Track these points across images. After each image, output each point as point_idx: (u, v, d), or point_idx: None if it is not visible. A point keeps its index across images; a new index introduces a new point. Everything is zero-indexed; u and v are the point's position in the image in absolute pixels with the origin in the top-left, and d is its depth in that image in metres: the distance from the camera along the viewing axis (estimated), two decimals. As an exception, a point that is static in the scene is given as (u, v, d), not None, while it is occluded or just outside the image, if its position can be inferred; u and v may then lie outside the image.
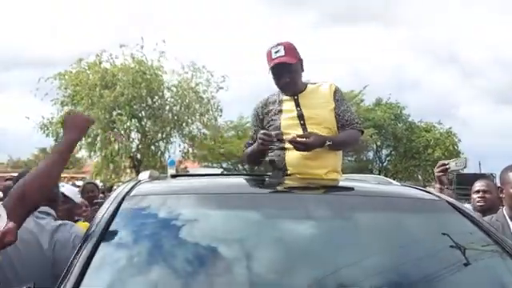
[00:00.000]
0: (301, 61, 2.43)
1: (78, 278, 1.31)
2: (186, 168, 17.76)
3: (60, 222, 2.10)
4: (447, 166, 2.64)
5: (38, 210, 2.01)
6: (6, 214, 1.20)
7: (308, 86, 2.44)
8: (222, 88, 16.53)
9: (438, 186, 2.67)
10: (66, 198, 2.94)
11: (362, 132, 2.50)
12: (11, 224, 1.33)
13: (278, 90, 2.47)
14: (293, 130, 2.29)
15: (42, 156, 28.37)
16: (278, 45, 2.36)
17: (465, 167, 2.70)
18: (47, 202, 2.01)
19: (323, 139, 2.24)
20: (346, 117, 2.40)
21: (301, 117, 2.33)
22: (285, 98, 2.41)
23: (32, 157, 30.25)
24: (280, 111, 2.38)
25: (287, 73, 2.36)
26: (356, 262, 1.50)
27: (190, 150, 17.22)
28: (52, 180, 1.72)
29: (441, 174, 2.65)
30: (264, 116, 2.43)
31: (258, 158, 2.46)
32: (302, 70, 2.44)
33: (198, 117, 16.59)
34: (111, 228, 1.52)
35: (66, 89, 15.07)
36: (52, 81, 15.04)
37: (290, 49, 2.38)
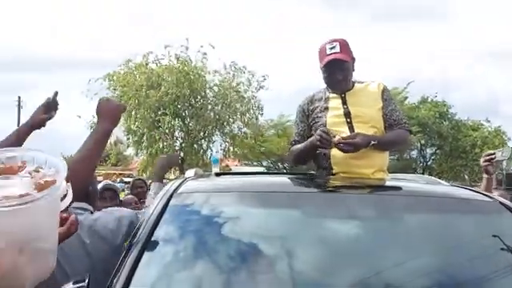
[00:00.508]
0: (353, 59, 2.40)
1: (128, 274, 1.35)
2: (226, 166, 17.93)
3: (97, 213, 2.06)
4: (492, 156, 2.65)
5: (74, 206, 2.03)
6: (71, 191, 1.21)
7: (356, 84, 2.40)
8: (262, 87, 16.59)
9: (484, 176, 2.69)
10: (114, 193, 3.06)
11: (411, 132, 2.44)
12: (73, 215, 1.36)
13: (323, 87, 2.44)
14: (339, 128, 2.26)
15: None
16: (334, 41, 2.34)
17: (509, 158, 2.66)
18: (84, 198, 2.00)
19: (369, 139, 2.20)
20: (394, 116, 2.35)
21: (347, 115, 2.30)
22: (331, 95, 2.38)
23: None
24: (326, 108, 2.35)
25: (340, 70, 2.33)
26: (403, 264, 1.47)
27: (231, 148, 17.37)
28: (89, 171, 1.69)
29: (487, 163, 2.67)
30: (310, 113, 2.41)
31: (307, 157, 2.43)
32: (353, 70, 2.41)
33: (238, 116, 16.71)
34: (161, 224, 1.55)
35: (114, 89, 15.55)
36: (101, 82, 15.57)
37: (345, 46, 2.35)
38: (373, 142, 2.20)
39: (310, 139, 2.32)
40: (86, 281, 1.40)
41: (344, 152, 2.18)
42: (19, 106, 27.31)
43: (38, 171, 1.17)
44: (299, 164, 2.58)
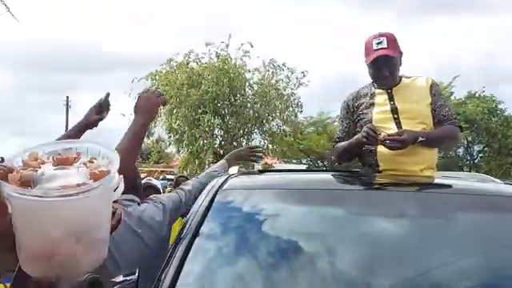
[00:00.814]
0: (401, 54, 2.33)
1: (177, 269, 1.37)
2: (265, 164, 17.96)
3: (144, 205, 2.08)
4: None
5: (123, 197, 2.08)
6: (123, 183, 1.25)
7: (403, 79, 2.33)
8: (302, 84, 16.49)
9: None
10: (157, 191, 3.13)
11: (461, 128, 2.35)
12: (120, 208, 1.40)
13: (368, 82, 2.39)
14: (385, 124, 2.20)
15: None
16: (380, 36, 2.27)
17: None
18: (132, 190, 2.01)
19: (416, 135, 2.13)
20: (443, 112, 2.27)
21: (394, 111, 2.23)
22: (377, 91, 2.32)
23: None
24: (372, 104, 2.29)
25: (388, 66, 2.26)
26: (450, 264, 1.43)
27: (270, 146, 17.38)
28: (131, 162, 1.73)
29: None
30: (355, 109, 2.36)
31: (352, 154, 2.38)
32: (400, 64, 2.34)
33: (278, 113, 16.69)
34: (207, 220, 1.57)
35: (157, 88, 15.87)
36: (144, 81, 15.95)
37: (392, 40, 2.28)
38: (420, 139, 2.13)
39: (355, 136, 2.28)
40: (136, 274, 1.44)
41: (390, 149, 2.13)
42: (67, 106, 28.40)
43: (92, 162, 1.22)
44: (343, 161, 2.53)
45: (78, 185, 1.10)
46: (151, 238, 1.88)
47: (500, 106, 22.41)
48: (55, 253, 1.09)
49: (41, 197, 1.06)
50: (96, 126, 2.00)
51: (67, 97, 28.78)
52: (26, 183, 1.10)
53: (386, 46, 2.24)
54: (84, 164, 1.21)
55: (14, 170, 1.15)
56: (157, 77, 15.84)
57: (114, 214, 1.35)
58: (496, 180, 2.09)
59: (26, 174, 1.12)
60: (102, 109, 2.08)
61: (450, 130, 2.29)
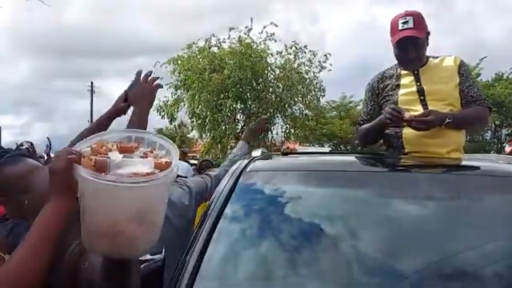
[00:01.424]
0: (428, 33, 2.26)
1: (202, 249, 1.38)
2: (288, 148, 17.92)
3: (172, 187, 2.15)
4: None
5: None
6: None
7: (430, 59, 2.27)
8: (324, 68, 16.29)
9: None
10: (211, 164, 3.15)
11: (490, 109, 2.29)
12: None
13: (393, 63, 2.34)
14: (412, 106, 2.16)
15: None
16: (407, 15, 2.20)
17: None
18: None
19: (443, 116, 2.08)
20: (472, 93, 2.21)
21: (421, 92, 2.18)
22: (403, 72, 2.27)
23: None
24: (398, 86, 2.24)
25: (414, 47, 2.21)
26: (476, 248, 1.40)
27: (292, 130, 17.32)
28: None
29: None
30: (380, 91, 2.31)
31: (376, 136, 2.35)
32: (427, 44, 2.27)
33: (300, 98, 16.56)
34: (231, 201, 1.58)
35: (179, 73, 15.94)
36: (166, 66, 16.01)
37: (420, 20, 2.21)
38: (448, 120, 2.08)
39: (378, 117, 2.24)
40: (162, 254, 1.46)
41: (416, 130, 2.08)
42: (92, 91, 28.84)
43: (152, 152, 1.31)
44: (367, 144, 2.50)
45: (148, 174, 1.19)
46: (178, 220, 1.92)
47: (530, 88, 21.74)
48: (120, 233, 1.18)
49: (115, 182, 1.15)
50: (125, 113, 2.02)
51: (92, 82, 29.25)
52: (101, 168, 1.19)
53: (412, 26, 2.18)
54: (145, 153, 1.30)
55: (85, 156, 1.24)
56: (178, 61, 15.87)
57: None
58: (527, 162, 2.02)
59: (100, 160, 1.22)
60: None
61: (478, 111, 2.22)
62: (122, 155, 1.27)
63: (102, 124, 1.95)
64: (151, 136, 1.40)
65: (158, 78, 1.91)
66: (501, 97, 20.37)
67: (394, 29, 2.23)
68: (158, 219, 1.29)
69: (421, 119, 2.08)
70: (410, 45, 2.19)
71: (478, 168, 1.93)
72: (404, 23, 2.19)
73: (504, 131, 22.71)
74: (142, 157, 1.29)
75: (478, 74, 20.54)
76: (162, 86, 1.95)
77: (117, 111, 1.96)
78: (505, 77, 21.73)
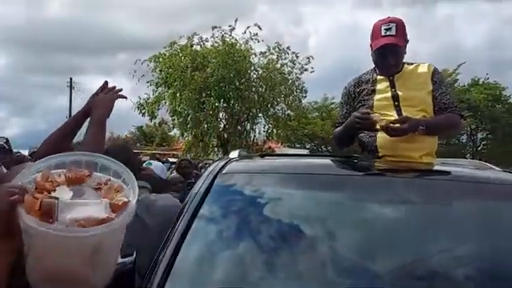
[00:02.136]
0: (407, 42, 2.30)
1: (174, 251, 1.38)
2: (269, 148, 17.96)
3: (155, 195, 2.19)
4: None
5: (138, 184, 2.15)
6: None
7: (405, 65, 2.32)
8: (306, 70, 16.39)
9: None
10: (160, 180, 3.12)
11: (462, 116, 2.34)
12: None
13: (371, 68, 2.38)
14: (386, 111, 2.20)
15: (139, 134, 30.33)
16: (390, 21, 2.23)
17: None
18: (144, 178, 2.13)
19: (418, 123, 2.13)
20: (444, 100, 2.26)
21: (395, 98, 2.22)
22: (379, 77, 2.31)
23: (130, 134, 32.38)
24: (373, 91, 2.28)
25: (393, 55, 2.24)
26: (445, 251, 1.44)
27: (274, 130, 17.36)
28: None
29: None
30: (356, 95, 2.35)
31: (349, 139, 2.39)
32: (405, 52, 2.31)
33: (282, 98, 16.63)
34: (205, 203, 1.58)
35: (160, 71, 15.83)
36: (147, 63, 15.88)
37: (402, 28, 2.25)
38: (421, 127, 2.13)
39: (347, 121, 2.27)
40: (134, 255, 1.46)
41: (391, 136, 2.13)
42: (71, 87, 28.36)
43: (107, 183, 1.22)
44: (342, 146, 2.54)
45: (103, 220, 1.11)
46: (159, 227, 1.93)
47: (504, 93, 22.24)
48: (72, 278, 1.11)
49: (65, 233, 1.07)
50: None
51: (70, 78, 28.76)
52: (48, 212, 1.09)
53: (394, 34, 2.21)
54: (98, 184, 1.21)
55: (29, 192, 1.14)
56: (160, 59, 15.76)
57: None
58: (494, 167, 2.09)
59: (46, 203, 1.11)
60: None
61: (450, 118, 2.28)
62: (71, 189, 1.17)
63: (79, 120, 1.98)
64: (103, 160, 1.28)
65: (120, 90, 1.96)
66: (476, 101, 20.79)
67: (376, 34, 2.27)
68: (113, 259, 1.23)
69: (396, 127, 2.12)
70: (391, 52, 2.23)
71: (448, 173, 1.99)
72: (387, 30, 2.22)
73: (479, 135, 23.18)
74: (95, 188, 1.20)
75: (456, 80, 20.91)
76: (124, 97, 1.99)
77: (89, 109, 1.98)
78: (481, 82, 22.18)
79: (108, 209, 1.14)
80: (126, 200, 1.18)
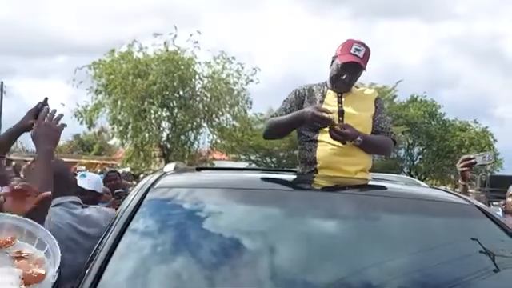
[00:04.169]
0: (365, 70, 2.42)
1: (101, 266, 1.34)
2: (213, 159, 17.91)
3: (89, 208, 2.18)
4: (472, 161, 2.49)
5: (69, 200, 2.11)
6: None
7: (353, 88, 2.44)
8: (252, 81, 16.54)
9: (461, 182, 2.53)
10: (90, 192, 3.02)
11: (395, 142, 2.49)
12: None
13: (322, 81, 2.47)
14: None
15: (76, 142, 29.23)
16: (362, 45, 2.35)
17: (493, 162, 2.56)
18: (67, 190, 2.12)
19: (357, 133, 2.25)
20: (382, 124, 2.42)
21: (341, 113, 2.34)
22: (329, 91, 2.42)
23: (67, 142, 31.14)
24: (322, 102, 2.38)
25: (352, 74, 2.36)
26: (374, 265, 1.47)
27: (219, 141, 17.34)
28: (51, 186, 1.68)
29: (465, 169, 2.50)
30: (305, 99, 2.42)
31: (287, 131, 2.44)
32: (355, 82, 2.44)
33: (227, 108, 16.66)
34: (135, 218, 1.54)
35: (100, 77, 15.39)
36: (87, 70, 15.39)
37: (368, 55, 2.37)
38: (359, 138, 2.24)
39: (301, 111, 2.32)
40: (57, 274, 1.39)
41: (333, 138, 2.23)
42: (2, 91, 26.87)
43: (26, 258, 1.12)
44: (273, 136, 2.59)
45: None
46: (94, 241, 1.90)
47: (439, 111, 23.61)
48: None
49: None
50: (32, 129, 1.94)
51: (2, 82, 27.26)
52: None
53: (361, 56, 2.33)
54: (19, 253, 1.13)
55: None
56: (100, 66, 15.33)
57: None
58: (421, 183, 2.20)
59: None
60: (39, 113, 2.02)
61: (385, 140, 2.44)
62: None
63: (13, 137, 1.98)
64: (30, 226, 1.19)
65: (61, 116, 1.83)
66: (414, 118, 21.89)
67: (346, 49, 2.35)
68: None
69: (339, 130, 2.22)
70: (352, 70, 2.34)
71: (379, 189, 2.06)
72: (357, 50, 2.32)
73: (416, 149, 24.39)
74: (15, 257, 1.11)
75: (395, 96, 21.93)
76: (66, 125, 1.88)
77: (25, 127, 1.91)
78: (418, 99, 23.40)
79: (19, 280, 1.05)
80: (42, 272, 1.09)
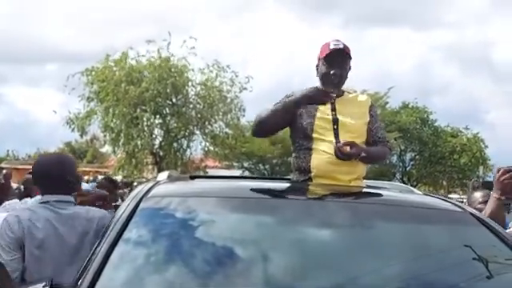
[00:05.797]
0: (349, 68, 2.40)
1: (94, 276, 1.33)
2: (206, 167, 17.85)
3: (79, 208, 2.15)
4: None
5: (57, 199, 2.08)
6: None
7: (345, 93, 2.42)
8: (245, 89, 16.55)
9: (496, 195, 2.26)
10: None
11: (391, 150, 2.54)
12: None
13: (314, 86, 2.41)
14: (324, 132, 2.28)
15: (68, 150, 29.02)
16: (338, 40, 2.35)
17: None
18: (64, 189, 2.10)
19: (362, 150, 2.25)
20: (379, 134, 2.43)
21: (335, 121, 2.30)
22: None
23: (58, 150, 30.92)
24: (316, 109, 2.33)
25: (340, 63, 2.33)
26: (369, 272, 1.47)
27: (212, 148, 17.30)
28: None
29: (509, 181, 2.23)
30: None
31: (283, 118, 2.34)
32: (347, 77, 2.40)
33: (220, 116, 16.64)
34: (128, 228, 1.53)
35: (92, 84, 15.31)
36: (79, 76, 15.31)
37: (348, 48, 2.36)
38: (363, 155, 2.24)
39: (288, 99, 2.30)
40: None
41: (338, 158, 2.21)
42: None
43: None
44: (265, 129, 2.47)
45: None
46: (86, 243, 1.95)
47: (431, 117, 23.75)
48: None
49: None
50: None
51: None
52: None
53: (342, 47, 2.32)
54: None
55: None
56: (93, 73, 15.26)
57: None
58: (415, 190, 2.20)
59: None
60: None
61: (385, 152, 2.47)
62: None
63: None
64: None
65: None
66: (406, 124, 22.01)
67: (325, 47, 2.34)
68: None
69: (346, 152, 2.20)
70: (338, 59, 2.31)
71: (373, 197, 2.06)
72: (336, 44, 2.32)
73: (408, 155, 24.49)
74: None
75: (387, 102, 22.05)
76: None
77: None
78: (410, 105, 23.53)
79: None
80: None
